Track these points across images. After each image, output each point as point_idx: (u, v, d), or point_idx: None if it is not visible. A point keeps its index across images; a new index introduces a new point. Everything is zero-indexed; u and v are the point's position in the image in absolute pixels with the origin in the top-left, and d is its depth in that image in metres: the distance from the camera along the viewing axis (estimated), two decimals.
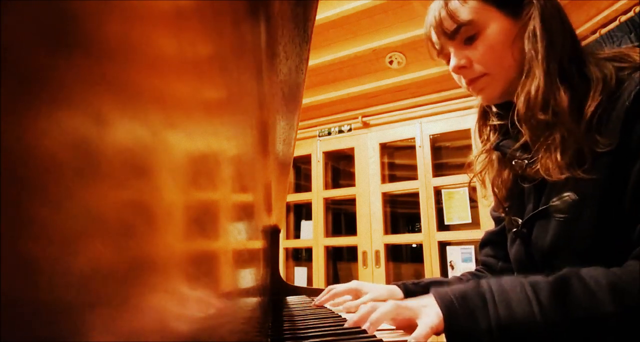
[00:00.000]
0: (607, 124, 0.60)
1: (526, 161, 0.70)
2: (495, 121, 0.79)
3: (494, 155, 0.80)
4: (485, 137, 0.82)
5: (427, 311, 0.54)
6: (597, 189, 0.60)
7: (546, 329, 0.48)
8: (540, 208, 0.69)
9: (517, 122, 0.68)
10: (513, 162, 0.73)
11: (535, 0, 0.68)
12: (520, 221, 0.74)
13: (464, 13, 0.69)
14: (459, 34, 0.71)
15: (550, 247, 0.67)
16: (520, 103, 0.67)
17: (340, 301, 0.93)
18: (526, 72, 0.67)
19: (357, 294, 0.91)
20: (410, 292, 0.85)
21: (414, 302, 0.57)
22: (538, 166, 0.65)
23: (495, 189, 0.80)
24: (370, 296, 0.85)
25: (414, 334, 0.51)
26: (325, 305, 0.95)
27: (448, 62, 0.75)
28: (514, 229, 0.76)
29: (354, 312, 0.65)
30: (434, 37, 0.75)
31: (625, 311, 0.48)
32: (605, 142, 0.59)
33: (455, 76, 0.76)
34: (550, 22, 0.67)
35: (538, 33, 0.66)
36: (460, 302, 0.52)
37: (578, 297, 0.49)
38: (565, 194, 0.63)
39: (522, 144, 0.70)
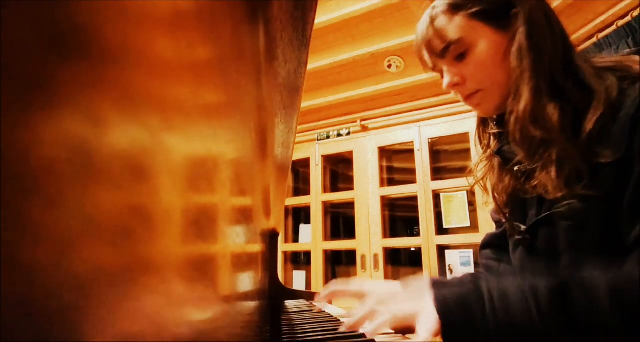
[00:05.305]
0: (610, 135, 0.58)
1: (526, 172, 0.69)
2: (494, 129, 0.79)
3: (495, 162, 0.79)
4: (486, 144, 0.81)
5: (427, 314, 0.53)
6: (602, 198, 0.58)
7: (545, 337, 0.49)
8: (543, 214, 0.67)
9: (511, 142, 0.68)
10: (515, 168, 0.72)
11: (522, 11, 0.66)
12: (523, 227, 0.72)
13: (452, 31, 0.68)
14: (448, 52, 0.69)
15: (557, 254, 0.65)
16: (511, 125, 0.66)
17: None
18: (514, 92, 0.66)
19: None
20: None
21: (411, 307, 0.56)
22: (536, 182, 0.64)
23: (496, 195, 0.79)
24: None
25: (416, 339, 0.51)
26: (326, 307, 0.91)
27: (442, 75, 0.75)
28: (517, 236, 0.74)
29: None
30: (425, 56, 0.74)
31: (625, 316, 0.48)
32: (608, 153, 0.57)
33: (451, 92, 0.75)
34: (538, 34, 0.65)
35: (524, 49, 0.65)
36: (458, 310, 0.52)
37: (578, 304, 0.49)
38: (569, 200, 0.61)
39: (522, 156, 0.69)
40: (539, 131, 0.62)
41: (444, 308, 0.52)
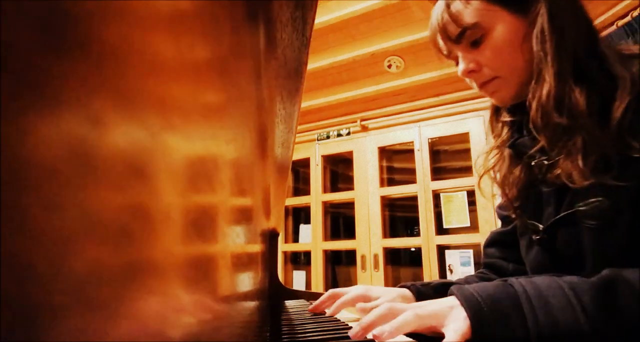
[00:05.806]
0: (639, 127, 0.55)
1: (545, 162, 0.65)
2: (507, 117, 0.75)
3: (506, 152, 0.76)
4: (498, 134, 0.78)
5: (455, 314, 0.48)
6: (631, 196, 0.55)
7: (594, 338, 0.43)
8: (563, 213, 0.63)
9: (533, 130, 0.64)
10: (532, 163, 0.68)
11: None
12: (540, 226, 0.68)
13: (468, 15, 0.66)
14: (464, 37, 0.67)
15: (581, 255, 0.62)
16: (533, 111, 0.63)
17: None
18: (536, 76, 0.63)
19: (365, 300, 0.78)
20: (421, 294, 0.77)
21: (436, 306, 0.50)
22: (559, 171, 0.60)
23: (506, 188, 0.75)
24: (384, 299, 0.75)
25: None
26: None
27: (457, 63, 0.71)
28: (534, 236, 0.69)
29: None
30: (440, 42, 0.71)
31: None
32: None
33: (466, 79, 0.73)
34: (561, 17, 0.62)
35: (546, 32, 0.61)
36: (490, 307, 0.46)
37: (625, 299, 0.45)
38: (594, 199, 0.58)
39: (541, 146, 0.65)
40: (564, 117, 0.59)
41: (472, 303, 0.47)
